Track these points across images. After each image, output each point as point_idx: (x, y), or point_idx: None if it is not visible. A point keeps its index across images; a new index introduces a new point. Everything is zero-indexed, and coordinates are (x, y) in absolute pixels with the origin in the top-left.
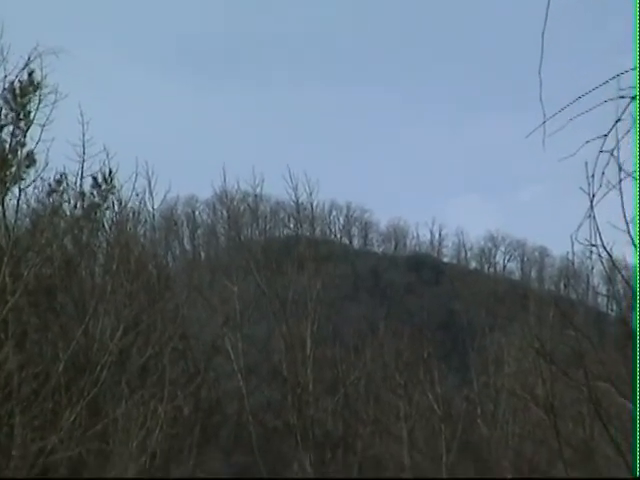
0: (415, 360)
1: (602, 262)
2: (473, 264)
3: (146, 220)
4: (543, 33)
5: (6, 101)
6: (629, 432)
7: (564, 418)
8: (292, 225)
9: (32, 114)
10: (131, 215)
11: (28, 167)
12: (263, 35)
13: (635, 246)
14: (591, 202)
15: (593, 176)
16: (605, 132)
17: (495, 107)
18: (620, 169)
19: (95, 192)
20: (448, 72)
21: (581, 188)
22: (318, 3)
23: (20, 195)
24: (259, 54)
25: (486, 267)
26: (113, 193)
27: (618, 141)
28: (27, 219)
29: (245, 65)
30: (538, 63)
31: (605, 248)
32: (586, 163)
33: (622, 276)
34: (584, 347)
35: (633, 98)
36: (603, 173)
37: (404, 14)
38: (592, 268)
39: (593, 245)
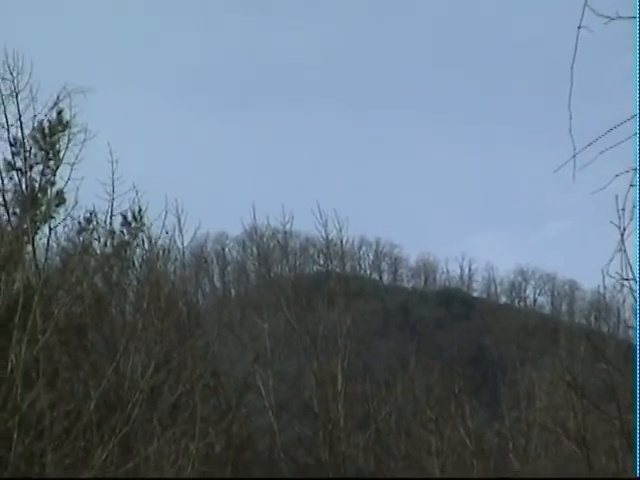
0: (446, 395)
1: (633, 295)
2: (503, 298)
3: (176, 258)
4: (572, 66)
5: (35, 140)
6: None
7: (596, 452)
8: (322, 261)
9: (61, 153)
10: (161, 253)
11: (58, 206)
12: (297, 69)
13: None
14: (622, 235)
15: (624, 209)
16: (635, 165)
17: (523, 142)
18: None
19: (125, 230)
20: (475, 108)
21: (612, 222)
22: (341, 35)
23: (50, 234)
24: (289, 89)
25: (516, 301)
26: (143, 231)
27: None
28: (57, 258)
29: (274, 102)
30: (567, 96)
31: (636, 281)
32: (616, 197)
33: None
34: (616, 380)
35: None
36: (634, 206)
37: (431, 43)
38: (623, 301)
39: (624, 279)
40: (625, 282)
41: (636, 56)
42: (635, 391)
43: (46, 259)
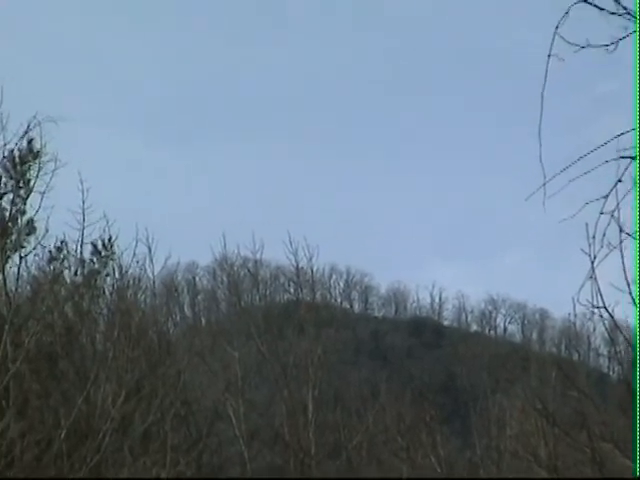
0: (417, 423)
1: (604, 323)
2: (474, 327)
3: (147, 286)
4: (542, 93)
5: (6, 169)
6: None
7: None
8: (292, 290)
9: (32, 182)
10: (132, 282)
11: (28, 235)
12: (260, 99)
13: (636, 305)
14: (592, 263)
15: (594, 237)
16: (605, 193)
17: (487, 170)
18: (621, 230)
19: (95, 259)
20: (439, 137)
21: (582, 250)
22: (312, 62)
23: (21, 263)
24: (257, 120)
25: (487, 330)
26: (113, 260)
27: (618, 202)
28: (28, 286)
29: (244, 131)
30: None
31: (607, 309)
32: (586, 225)
33: (624, 336)
34: (587, 408)
35: (633, 158)
36: (604, 235)
37: (391, 75)
38: (594, 329)
39: (595, 307)
40: (595, 310)
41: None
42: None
43: (16, 288)
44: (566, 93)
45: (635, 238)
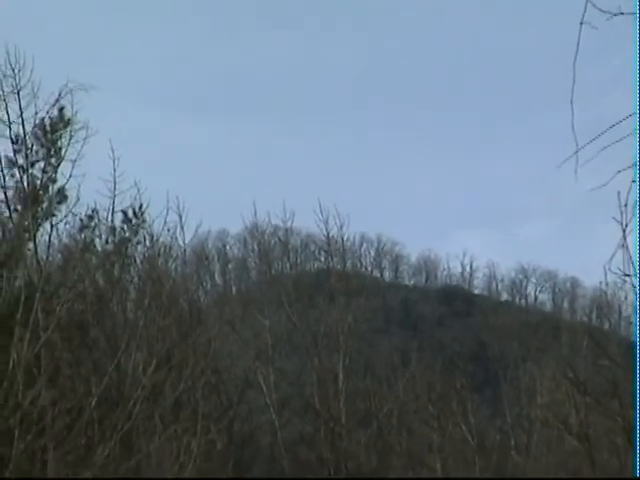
0: (447, 392)
1: (635, 292)
2: (504, 296)
3: (177, 255)
4: (574, 62)
5: (37, 137)
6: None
7: (599, 448)
8: (323, 258)
9: (63, 150)
10: (162, 250)
11: (59, 203)
12: (289, 70)
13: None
14: (624, 232)
15: (626, 205)
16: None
17: (518, 139)
18: None
19: (126, 227)
20: (483, 107)
21: (614, 218)
22: (342, 41)
23: (52, 231)
24: (286, 89)
25: (517, 298)
26: (144, 228)
27: None
28: (59, 255)
29: (277, 101)
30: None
31: (638, 277)
32: (618, 193)
33: None
34: (618, 377)
35: None
36: (636, 203)
37: (420, 52)
38: (625, 298)
39: (626, 275)
40: (627, 278)
41: (636, 53)
42: (635, 390)
43: (48, 256)
44: (597, 61)
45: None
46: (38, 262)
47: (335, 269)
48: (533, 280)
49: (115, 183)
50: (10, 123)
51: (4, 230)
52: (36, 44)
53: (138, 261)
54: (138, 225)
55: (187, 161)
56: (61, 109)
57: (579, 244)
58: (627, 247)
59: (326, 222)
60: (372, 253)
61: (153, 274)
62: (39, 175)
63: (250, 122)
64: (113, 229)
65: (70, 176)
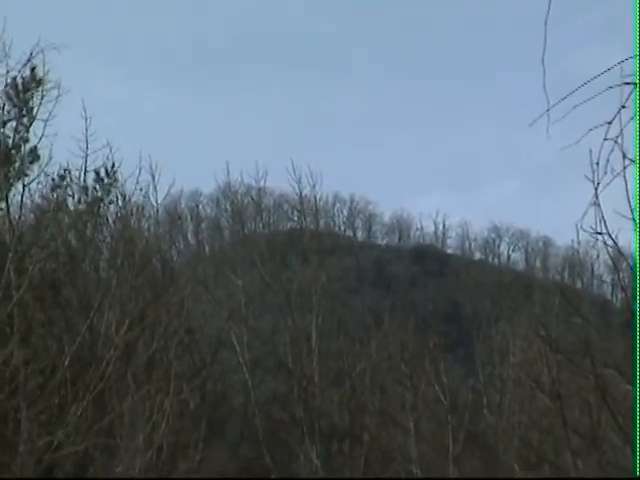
0: (420, 351)
1: (607, 250)
2: (477, 255)
3: (150, 214)
4: (546, 21)
5: (9, 97)
6: (635, 419)
7: (570, 406)
8: (296, 218)
9: (35, 110)
10: (135, 209)
11: (32, 163)
12: (261, 34)
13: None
14: (595, 190)
15: (597, 164)
16: (608, 120)
17: (489, 100)
18: (624, 156)
19: (98, 187)
20: (441, 68)
21: (585, 176)
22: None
23: (24, 191)
24: (259, 52)
25: (490, 258)
26: (116, 187)
27: (622, 128)
28: (31, 214)
29: (246, 63)
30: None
31: (610, 236)
32: (590, 151)
33: (627, 263)
34: (590, 335)
35: (635, 84)
36: (608, 161)
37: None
38: (597, 256)
39: (598, 233)
40: (599, 237)
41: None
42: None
43: (20, 216)
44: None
45: (636, 163)
46: (10, 222)
47: (308, 228)
48: (506, 239)
49: (87, 143)
50: None
51: None
52: (7, 3)
53: (111, 221)
54: (110, 185)
55: (160, 122)
56: (33, 68)
57: (551, 203)
58: (599, 205)
59: (299, 181)
60: (345, 212)
61: (126, 234)
62: (11, 135)
63: (222, 82)
64: (85, 189)
65: (42, 135)
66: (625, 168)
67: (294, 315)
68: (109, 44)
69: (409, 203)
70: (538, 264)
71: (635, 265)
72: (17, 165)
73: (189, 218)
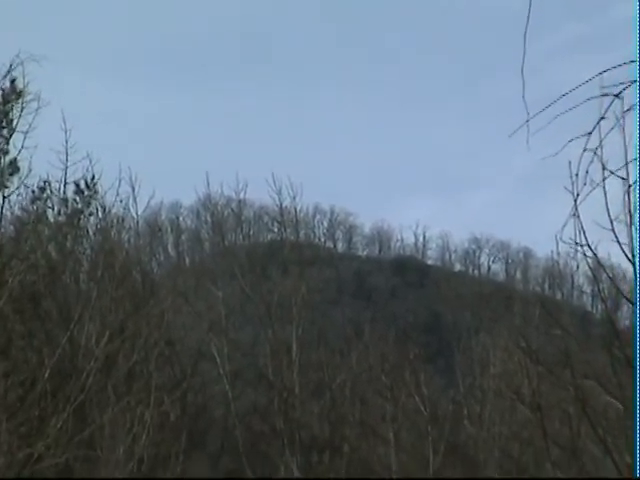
0: (401, 362)
1: (587, 261)
2: (458, 266)
3: (130, 226)
4: (525, 33)
5: None
6: (615, 430)
7: (551, 417)
8: (276, 229)
9: (15, 121)
10: (115, 221)
11: (11, 175)
12: (242, 42)
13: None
14: (575, 201)
15: (577, 175)
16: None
17: (471, 110)
18: (604, 168)
19: (78, 199)
20: (424, 76)
21: (565, 187)
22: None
23: (4, 203)
24: (238, 64)
25: (471, 269)
26: (96, 199)
27: (601, 139)
28: (11, 226)
29: (226, 72)
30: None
31: (590, 247)
32: (569, 162)
33: (607, 274)
34: (570, 346)
35: (616, 96)
36: (587, 172)
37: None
38: (577, 267)
39: (578, 244)
40: (578, 248)
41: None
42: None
43: (0, 228)
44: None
45: (635, 162)
46: None
47: (288, 240)
48: (486, 250)
49: (67, 154)
50: None
51: None
52: None
53: (91, 232)
54: (90, 196)
55: (139, 133)
56: (13, 80)
57: (532, 214)
58: (578, 216)
59: (279, 193)
60: (325, 224)
61: (106, 245)
62: None
63: (202, 93)
64: (65, 200)
65: (22, 147)
66: (605, 179)
67: (274, 326)
68: (87, 55)
69: (389, 214)
70: (518, 275)
71: (635, 271)
72: None
73: (169, 230)
